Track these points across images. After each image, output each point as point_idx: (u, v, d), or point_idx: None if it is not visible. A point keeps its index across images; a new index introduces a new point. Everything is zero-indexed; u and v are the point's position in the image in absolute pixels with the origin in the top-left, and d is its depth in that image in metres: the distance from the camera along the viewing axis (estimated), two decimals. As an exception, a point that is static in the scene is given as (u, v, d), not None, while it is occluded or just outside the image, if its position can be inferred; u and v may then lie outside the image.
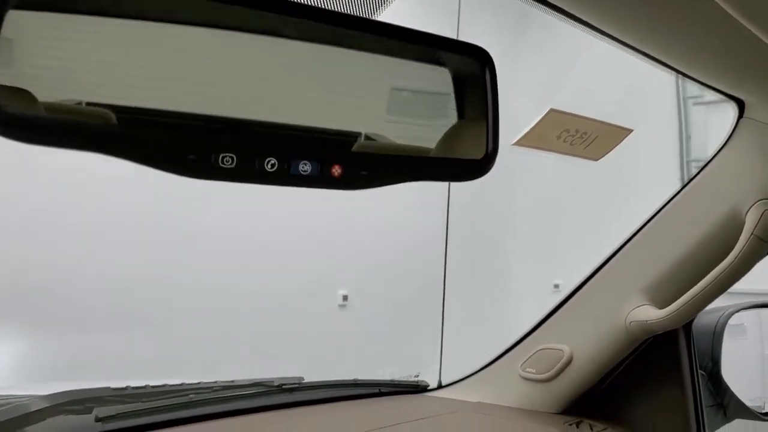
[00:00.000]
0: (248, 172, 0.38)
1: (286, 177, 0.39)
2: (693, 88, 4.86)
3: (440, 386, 1.43)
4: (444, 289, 1.59)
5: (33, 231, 3.26)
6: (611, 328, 1.18)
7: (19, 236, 3.21)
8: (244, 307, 3.86)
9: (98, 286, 3.42)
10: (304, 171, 0.40)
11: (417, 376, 1.49)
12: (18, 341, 3.20)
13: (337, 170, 0.40)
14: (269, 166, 0.38)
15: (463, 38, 0.50)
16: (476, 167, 0.47)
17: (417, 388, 1.41)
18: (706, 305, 1.05)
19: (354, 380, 1.34)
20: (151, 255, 3.58)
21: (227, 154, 0.37)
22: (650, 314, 1.11)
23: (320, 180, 0.40)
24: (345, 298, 4.43)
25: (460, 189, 4.20)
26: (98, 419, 0.97)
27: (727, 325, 1.62)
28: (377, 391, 1.35)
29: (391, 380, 1.40)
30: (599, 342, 1.20)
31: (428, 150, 0.44)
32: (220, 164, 0.37)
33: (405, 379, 1.43)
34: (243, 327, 3.83)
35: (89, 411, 0.99)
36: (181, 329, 3.59)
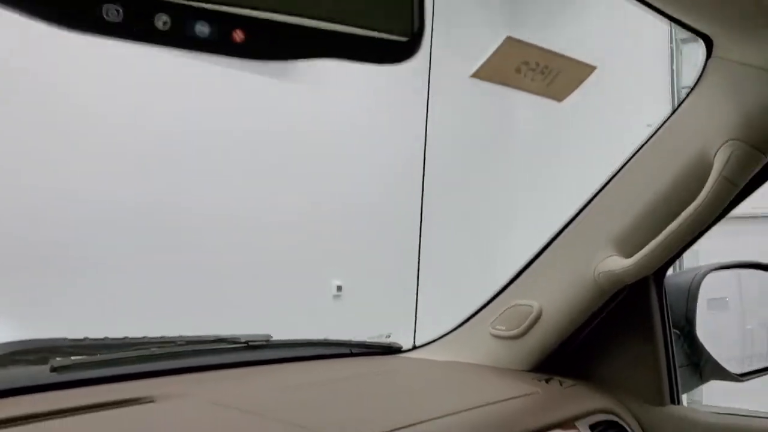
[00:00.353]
0: (136, 29, 0.35)
1: (180, 38, 0.37)
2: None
3: (414, 348, 1.41)
4: (419, 253, 1.58)
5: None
6: (580, 282, 1.16)
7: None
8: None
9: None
10: (201, 33, 0.38)
11: (389, 336, 1.47)
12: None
13: (239, 35, 0.38)
14: (161, 24, 0.36)
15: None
16: (400, 49, 0.45)
17: (390, 350, 1.40)
18: (674, 251, 1.03)
19: (324, 339, 1.32)
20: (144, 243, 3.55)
21: (113, 5, 0.35)
22: (618, 264, 1.09)
23: (219, 45, 0.38)
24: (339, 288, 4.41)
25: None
26: (54, 369, 0.95)
27: (709, 300, 1.61)
28: (348, 351, 1.33)
29: (363, 341, 1.39)
30: (568, 296, 1.18)
31: (345, 24, 0.42)
32: (104, 16, 0.35)
33: (377, 341, 1.41)
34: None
35: (45, 361, 0.97)
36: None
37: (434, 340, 1.40)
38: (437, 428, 0.87)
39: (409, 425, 0.87)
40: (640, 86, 4.75)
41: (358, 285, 4.31)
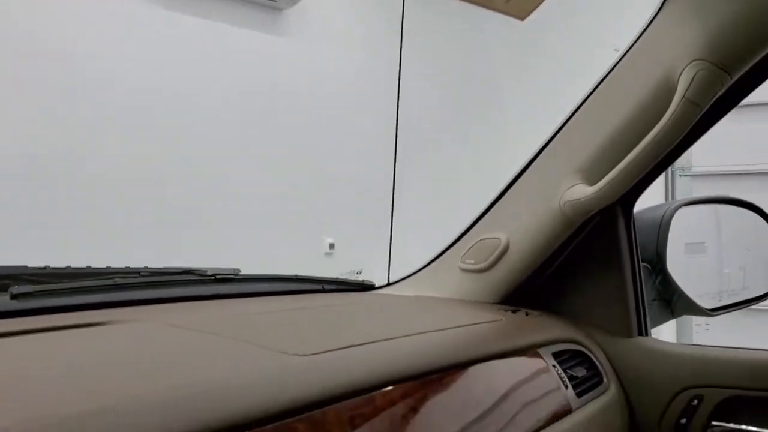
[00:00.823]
0: None
1: None
2: None
3: (386, 285, 1.42)
4: (393, 192, 1.57)
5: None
6: (546, 212, 1.16)
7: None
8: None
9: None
10: None
11: (359, 273, 1.47)
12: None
13: None
14: None
15: None
16: None
17: (362, 287, 1.40)
18: (638, 176, 1.02)
19: (295, 275, 1.32)
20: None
21: None
22: (583, 192, 1.09)
23: None
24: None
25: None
26: (13, 296, 0.95)
27: (686, 244, 1.61)
28: (320, 287, 1.34)
29: (335, 278, 1.39)
30: (535, 228, 1.18)
31: None
32: None
33: (350, 278, 1.41)
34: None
35: (4, 288, 0.97)
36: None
37: (405, 277, 1.40)
38: (396, 347, 0.88)
39: (371, 342, 0.87)
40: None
41: (350, 242, 4.31)
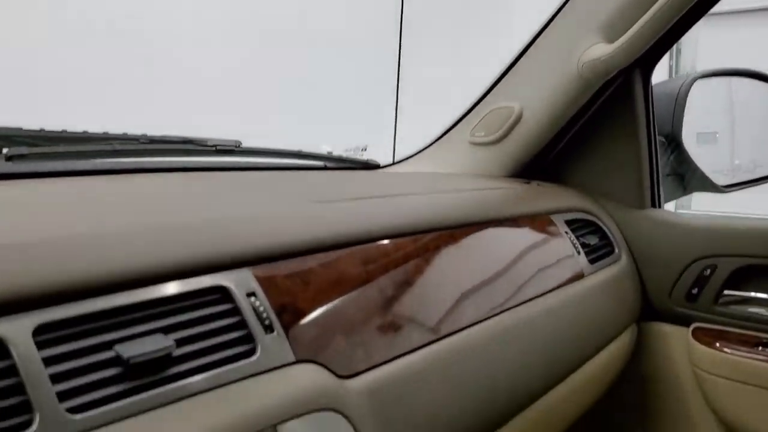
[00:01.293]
0: None
1: None
2: None
3: (392, 164, 1.38)
4: (399, 64, 1.51)
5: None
6: (563, 76, 1.10)
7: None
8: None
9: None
10: None
11: (364, 150, 1.42)
12: None
13: None
14: None
15: None
16: None
17: (367, 165, 1.36)
18: (660, 30, 0.97)
19: (298, 151, 1.28)
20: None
21: None
22: (602, 51, 1.03)
23: None
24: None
25: None
26: (9, 158, 0.91)
27: (698, 134, 1.55)
28: (323, 165, 1.29)
29: (340, 156, 1.34)
30: (551, 94, 1.13)
31: None
32: None
33: (354, 156, 1.37)
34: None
35: (-2, 150, 0.92)
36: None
37: (413, 155, 1.36)
38: (409, 202, 0.85)
39: (383, 196, 0.84)
40: None
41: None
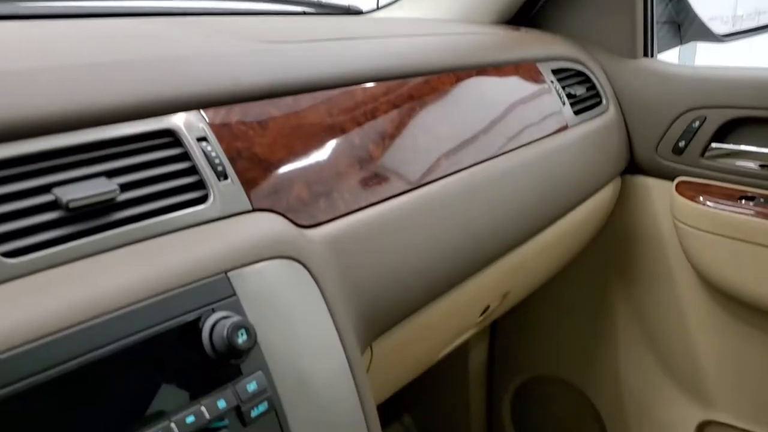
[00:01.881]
0: None
1: None
2: None
3: (376, 9, 1.30)
4: None
5: None
6: None
7: None
8: None
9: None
10: None
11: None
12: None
13: None
14: None
15: None
16: None
17: (349, 11, 1.28)
18: None
19: (273, -6, 1.20)
20: None
21: None
22: None
23: None
24: None
25: None
26: None
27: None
28: (301, 11, 1.22)
29: (319, 1, 1.26)
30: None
31: None
32: None
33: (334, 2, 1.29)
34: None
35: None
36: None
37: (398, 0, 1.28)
38: (381, 46, 0.80)
39: (353, 38, 0.79)
40: None
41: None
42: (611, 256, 1.23)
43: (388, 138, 0.67)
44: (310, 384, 0.47)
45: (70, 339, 0.37)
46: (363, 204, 0.60)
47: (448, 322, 0.80)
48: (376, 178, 0.63)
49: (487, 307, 0.90)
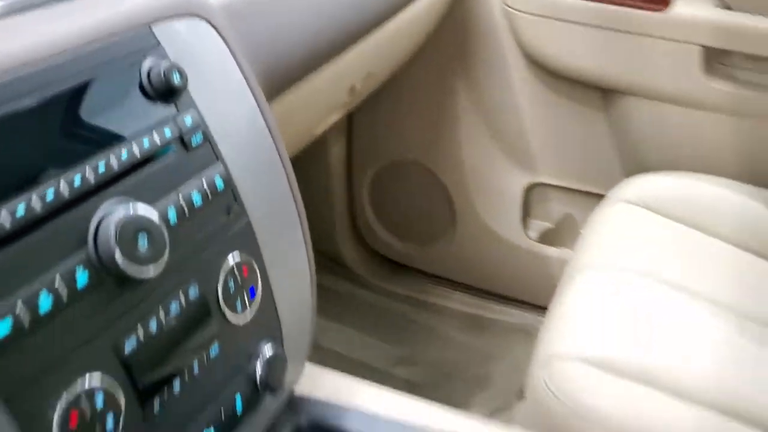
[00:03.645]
0: None
1: None
2: None
3: None
4: None
5: None
6: None
7: None
8: None
9: None
10: None
11: None
12: None
13: None
14: None
15: None
16: None
17: None
18: None
19: None
20: None
21: None
22: None
23: None
24: None
25: None
26: None
27: None
28: None
29: None
30: None
31: None
32: None
33: None
34: None
35: None
36: None
37: None
38: None
39: None
40: None
41: None
42: (452, 47, 1.36)
43: None
44: (232, 122, 0.56)
45: (20, 80, 0.42)
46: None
47: (326, 94, 0.90)
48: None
49: (353, 87, 1.01)
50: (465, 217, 1.50)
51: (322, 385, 0.67)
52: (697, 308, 0.83)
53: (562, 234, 1.45)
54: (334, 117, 1.07)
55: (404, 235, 1.61)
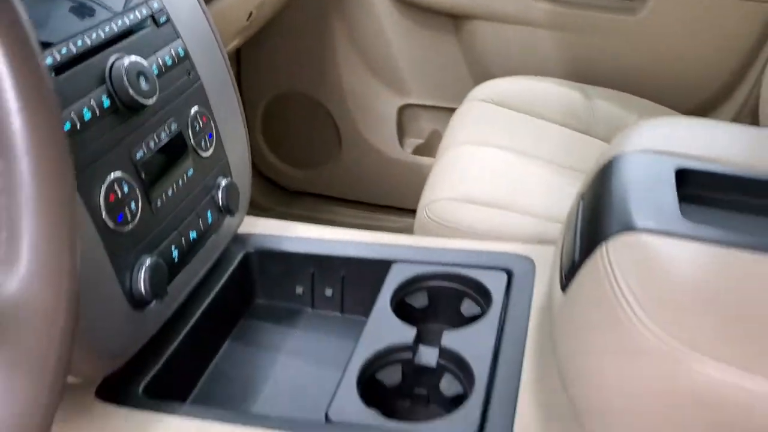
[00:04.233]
0: None
1: None
2: None
3: None
4: None
5: None
6: None
7: None
8: None
9: None
10: None
11: None
12: None
13: None
14: None
15: None
16: None
17: None
18: None
19: None
20: None
21: None
22: None
23: None
24: None
25: None
26: None
27: None
28: None
29: None
30: None
31: None
32: None
33: None
34: None
35: None
36: None
37: None
38: None
39: None
40: None
41: None
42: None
43: None
44: (183, 11, 0.74)
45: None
46: None
47: (232, 16, 1.09)
48: None
49: (251, 13, 1.19)
50: (349, 140, 1.72)
51: (262, 225, 0.87)
52: (535, 165, 1.10)
53: (431, 147, 1.70)
54: (236, 42, 1.25)
55: (296, 163, 1.81)
